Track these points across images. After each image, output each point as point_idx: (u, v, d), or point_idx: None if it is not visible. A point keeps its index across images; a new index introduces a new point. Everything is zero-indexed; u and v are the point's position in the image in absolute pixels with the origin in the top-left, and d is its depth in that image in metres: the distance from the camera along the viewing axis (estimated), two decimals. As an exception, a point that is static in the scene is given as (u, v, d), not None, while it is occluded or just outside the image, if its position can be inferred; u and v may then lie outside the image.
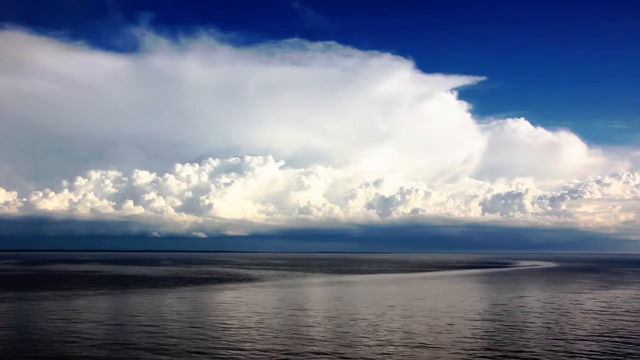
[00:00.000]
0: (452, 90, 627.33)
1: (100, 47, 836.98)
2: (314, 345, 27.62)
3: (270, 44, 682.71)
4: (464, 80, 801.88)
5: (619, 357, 25.35)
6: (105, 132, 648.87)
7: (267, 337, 29.89)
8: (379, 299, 51.75)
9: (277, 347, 27.26)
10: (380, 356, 25.29)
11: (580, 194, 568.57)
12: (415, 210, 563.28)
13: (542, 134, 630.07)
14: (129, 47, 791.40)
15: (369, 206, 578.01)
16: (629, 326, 34.56)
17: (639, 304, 48.57)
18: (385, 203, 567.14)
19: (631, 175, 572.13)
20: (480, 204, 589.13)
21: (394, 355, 25.46)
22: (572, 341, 29.13)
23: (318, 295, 58.32)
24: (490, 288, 69.96)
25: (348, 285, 73.96)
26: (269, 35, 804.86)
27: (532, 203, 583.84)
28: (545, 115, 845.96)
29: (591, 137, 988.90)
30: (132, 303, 48.09)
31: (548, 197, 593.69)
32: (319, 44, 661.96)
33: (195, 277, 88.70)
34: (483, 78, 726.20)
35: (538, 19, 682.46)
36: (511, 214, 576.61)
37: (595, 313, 41.24)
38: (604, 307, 45.58)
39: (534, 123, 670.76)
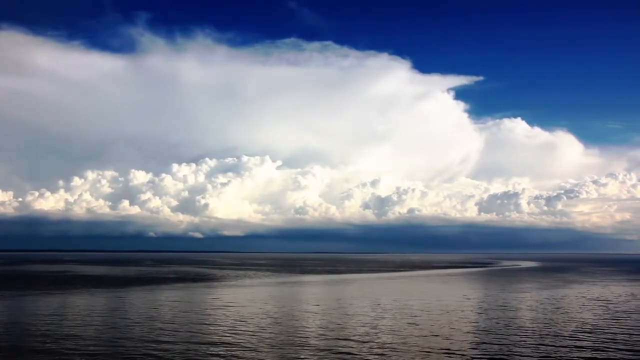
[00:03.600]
0: (449, 90, 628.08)
1: (97, 47, 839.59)
2: (190, 339, 28.22)
3: (267, 44, 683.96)
4: (461, 80, 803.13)
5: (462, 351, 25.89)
6: (102, 132, 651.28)
7: (162, 334, 30.47)
8: (311, 298, 52.35)
9: (167, 339, 27.84)
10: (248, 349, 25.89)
11: (577, 194, 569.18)
12: (411, 210, 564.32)
13: (539, 134, 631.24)
14: (126, 47, 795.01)
15: (366, 206, 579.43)
16: (518, 323, 35.06)
17: (563, 303, 48.98)
18: (382, 203, 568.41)
19: (628, 175, 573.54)
20: (476, 204, 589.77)
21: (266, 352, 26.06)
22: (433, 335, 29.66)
23: (254, 295, 58.63)
24: (438, 287, 70.60)
25: (298, 286, 74.52)
26: (266, 35, 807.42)
27: (529, 203, 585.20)
28: (542, 115, 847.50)
29: (588, 137, 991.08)
30: (59, 303, 48.63)
31: (544, 196, 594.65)
32: (316, 44, 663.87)
33: (156, 277, 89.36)
34: (480, 78, 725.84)
35: (535, 19, 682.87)
36: (507, 213, 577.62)
37: (508, 310, 41.72)
38: (525, 305, 46.08)
39: (531, 123, 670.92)
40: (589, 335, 31.10)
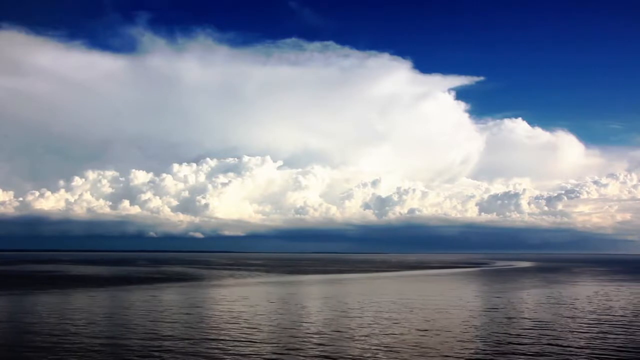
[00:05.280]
0: (449, 90, 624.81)
1: (97, 47, 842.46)
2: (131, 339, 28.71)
3: (267, 44, 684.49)
4: (462, 81, 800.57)
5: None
6: (103, 132, 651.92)
7: (110, 332, 31.01)
8: (281, 298, 52.90)
9: (113, 341, 28.35)
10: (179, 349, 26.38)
11: (578, 194, 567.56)
12: (412, 211, 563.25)
13: (540, 134, 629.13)
14: (127, 47, 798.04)
15: (366, 206, 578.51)
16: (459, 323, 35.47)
17: (529, 303, 49.32)
18: (382, 203, 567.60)
19: (628, 176, 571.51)
20: (477, 204, 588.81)
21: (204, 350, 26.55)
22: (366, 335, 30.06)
23: (227, 295, 59.08)
24: (418, 286, 71.04)
25: (277, 286, 74.98)
26: (267, 35, 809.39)
27: (529, 203, 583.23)
28: (543, 115, 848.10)
29: (589, 138, 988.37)
30: (28, 302, 49.24)
31: (545, 197, 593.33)
32: (317, 44, 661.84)
33: (142, 277, 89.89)
34: (481, 78, 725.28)
35: (536, 19, 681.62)
36: (508, 214, 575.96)
37: (468, 310, 42.18)
38: (489, 305, 46.48)
39: (532, 123, 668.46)
40: (533, 334, 31.45)
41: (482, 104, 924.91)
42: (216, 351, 26.27)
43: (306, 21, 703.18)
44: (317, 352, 26.06)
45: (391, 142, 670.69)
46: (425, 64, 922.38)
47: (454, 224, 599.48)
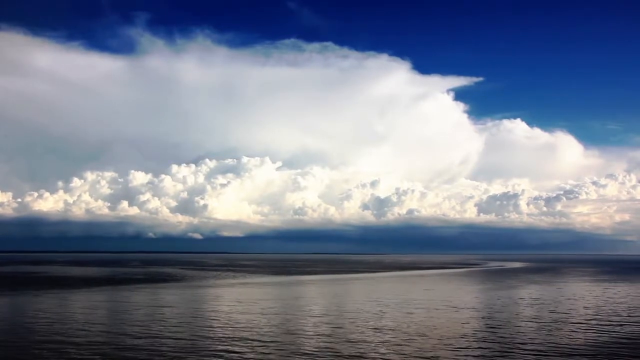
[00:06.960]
0: (448, 91, 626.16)
1: (96, 48, 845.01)
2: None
3: (266, 44, 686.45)
4: (461, 81, 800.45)
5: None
6: (102, 133, 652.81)
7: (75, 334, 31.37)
8: (249, 300, 53.24)
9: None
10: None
11: (576, 195, 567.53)
12: (410, 211, 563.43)
13: (539, 135, 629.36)
14: (125, 48, 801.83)
15: (365, 207, 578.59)
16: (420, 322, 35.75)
17: (498, 303, 49.57)
18: (381, 204, 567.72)
19: (627, 176, 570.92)
20: (475, 205, 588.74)
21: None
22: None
23: (199, 295, 59.43)
24: (394, 287, 71.30)
25: (255, 287, 75.32)
26: (266, 36, 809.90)
27: (528, 204, 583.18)
28: (542, 116, 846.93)
29: (587, 138, 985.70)
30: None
31: (544, 197, 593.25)
32: (316, 45, 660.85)
33: (126, 278, 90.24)
34: (480, 79, 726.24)
35: (534, 20, 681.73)
36: (507, 214, 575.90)
37: (431, 309, 42.49)
38: (452, 305, 46.74)
39: (530, 124, 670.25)
40: (482, 334, 31.74)
41: (481, 104, 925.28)
42: (161, 347, 26.57)
43: (305, 22, 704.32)
44: (254, 349, 26.35)
45: (390, 142, 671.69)
46: (424, 65, 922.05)
47: (453, 224, 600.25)
